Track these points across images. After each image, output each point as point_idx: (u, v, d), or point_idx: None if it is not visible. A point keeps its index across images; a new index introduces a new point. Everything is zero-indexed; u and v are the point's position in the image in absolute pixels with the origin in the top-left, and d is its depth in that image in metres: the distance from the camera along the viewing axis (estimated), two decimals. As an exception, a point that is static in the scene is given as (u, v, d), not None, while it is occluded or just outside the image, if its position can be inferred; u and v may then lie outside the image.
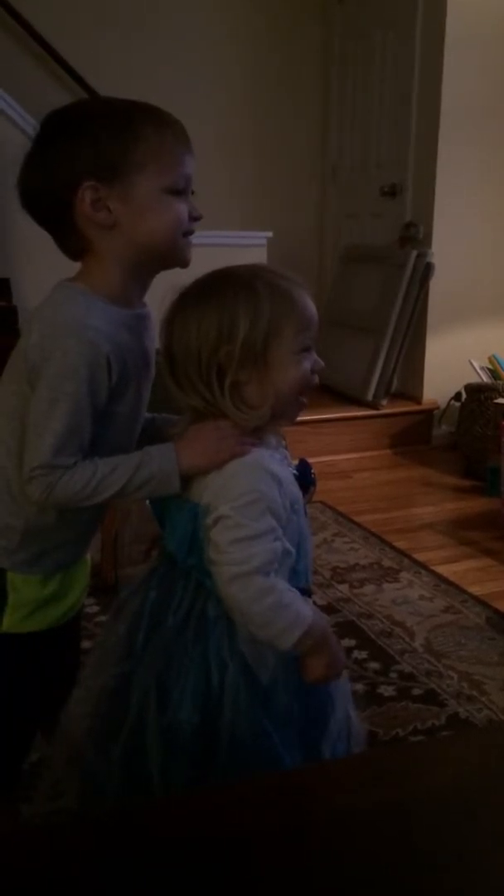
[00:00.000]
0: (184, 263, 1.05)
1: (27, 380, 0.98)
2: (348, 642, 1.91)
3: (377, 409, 3.62)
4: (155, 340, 1.07)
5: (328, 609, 2.08)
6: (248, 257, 3.37)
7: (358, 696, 1.68)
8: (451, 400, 3.60)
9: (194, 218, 1.03)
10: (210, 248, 3.27)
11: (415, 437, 3.71)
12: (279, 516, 0.94)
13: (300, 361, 0.97)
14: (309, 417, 3.49)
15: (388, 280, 3.65)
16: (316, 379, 1.00)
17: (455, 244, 3.57)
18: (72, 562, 1.12)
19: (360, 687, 1.74)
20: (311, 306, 0.99)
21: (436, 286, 3.60)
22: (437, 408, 3.72)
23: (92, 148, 0.96)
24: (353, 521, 2.72)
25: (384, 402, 3.64)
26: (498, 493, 2.81)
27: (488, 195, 3.63)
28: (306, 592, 1.00)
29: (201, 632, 0.97)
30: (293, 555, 0.97)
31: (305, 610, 0.94)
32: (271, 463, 0.96)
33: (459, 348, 3.59)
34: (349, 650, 1.89)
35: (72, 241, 1.01)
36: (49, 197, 0.98)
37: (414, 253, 3.57)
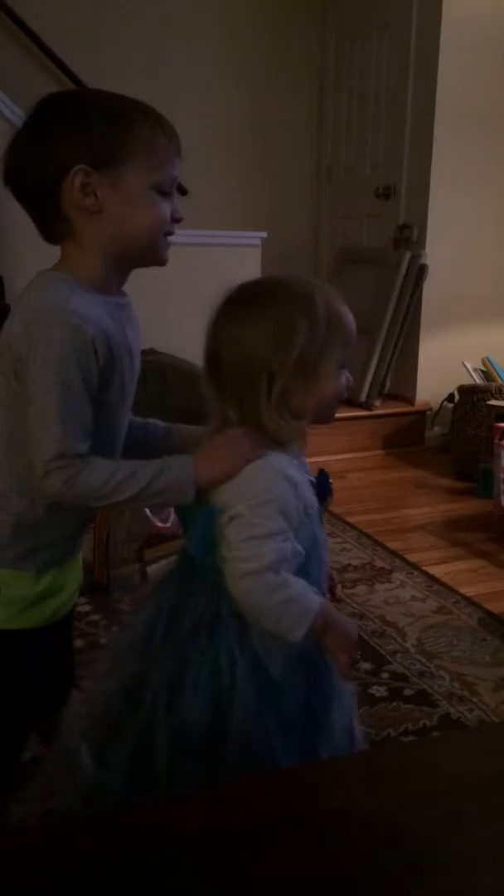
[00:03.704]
0: (161, 262, 1.06)
1: (13, 371, 0.98)
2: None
3: (370, 409, 3.62)
4: (138, 332, 1.07)
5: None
6: (243, 257, 3.39)
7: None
8: (444, 401, 3.61)
9: (176, 220, 1.04)
10: (205, 247, 3.30)
11: (408, 438, 3.72)
12: (291, 518, 0.96)
13: (340, 375, 1.01)
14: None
15: (382, 281, 3.66)
16: (345, 393, 1.03)
17: (449, 246, 3.58)
18: (64, 558, 1.12)
19: (351, 687, 1.74)
20: (354, 324, 1.02)
21: (429, 288, 3.61)
22: (431, 409, 3.73)
23: (87, 134, 0.97)
24: (346, 522, 2.73)
25: (377, 402, 3.65)
26: (490, 495, 2.82)
27: (482, 197, 3.64)
28: None
29: (213, 630, 0.99)
30: (302, 555, 0.98)
31: (313, 600, 0.96)
32: (288, 467, 0.98)
33: (453, 350, 3.60)
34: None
35: (53, 224, 1.01)
36: (37, 175, 0.98)
37: (408, 254, 3.58)
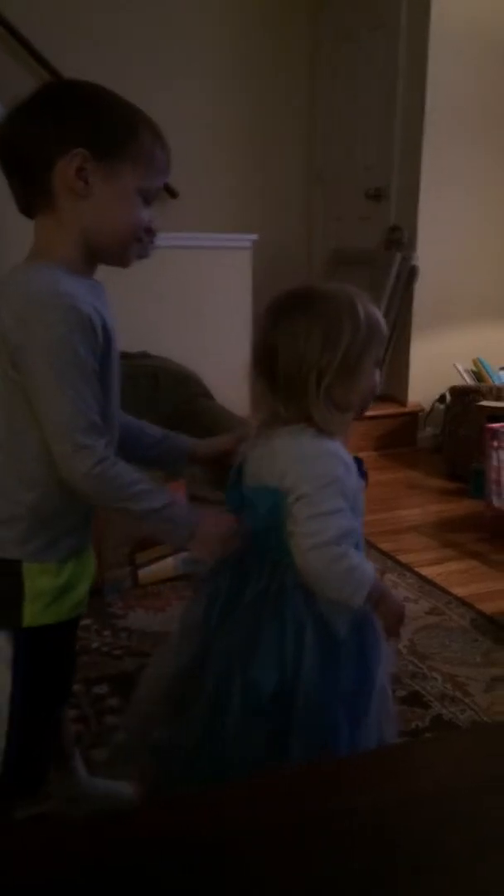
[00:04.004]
0: (125, 264, 1.10)
1: (11, 363, 0.98)
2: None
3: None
4: (113, 317, 1.09)
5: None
6: (234, 260, 3.39)
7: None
8: (435, 402, 3.62)
9: (150, 230, 1.09)
10: (195, 250, 3.30)
11: (400, 439, 3.73)
12: (348, 497, 1.09)
13: (375, 372, 1.14)
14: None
15: (373, 283, 3.66)
16: (378, 389, 1.16)
17: (439, 248, 3.59)
18: (82, 547, 1.14)
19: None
20: (386, 326, 1.15)
21: (421, 289, 3.62)
22: (422, 410, 3.74)
23: (95, 122, 1.01)
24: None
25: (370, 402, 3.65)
26: (482, 495, 2.83)
27: (472, 199, 3.65)
28: None
29: (280, 600, 1.11)
30: (358, 531, 1.12)
31: (370, 569, 1.10)
32: (346, 454, 1.11)
33: (444, 351, 3.61)
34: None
35: (36, 196, 1.03)
36: (37, 146, 1.00)
37: (399, 256, 3.59)
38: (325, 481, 1.07)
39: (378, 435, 3.67)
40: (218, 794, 0.79)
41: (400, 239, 3.68)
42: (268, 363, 1.11)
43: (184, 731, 1.13)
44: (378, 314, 1.13)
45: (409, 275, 3.59)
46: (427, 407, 3.70)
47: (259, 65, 4.18)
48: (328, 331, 1.07)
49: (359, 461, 1.16)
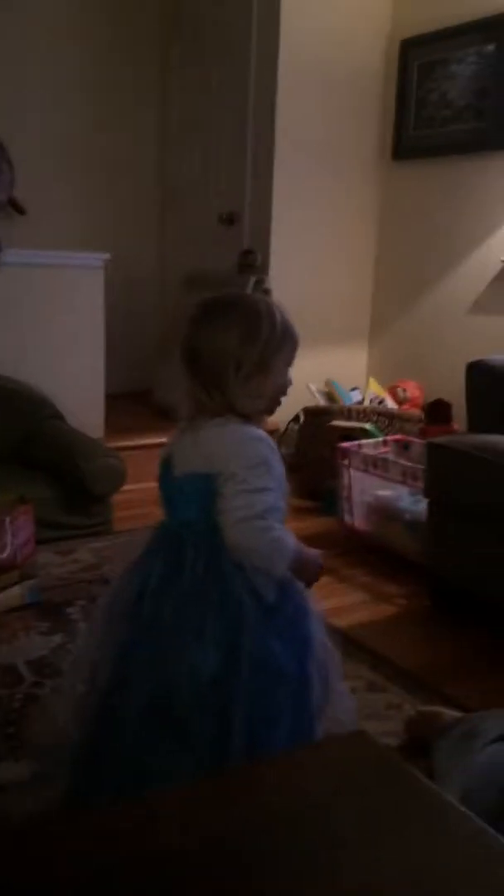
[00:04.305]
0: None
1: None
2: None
3: (219, 432, 3.63)
4: None
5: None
6: (86, 278, 3.33)
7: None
8: (290, 422, 3.68)
9: None
10: (45, 268, 3.21)
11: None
12: (276, 479, 1.22)
13: (286, 373, 1.28)
14: (151, 441, 3.44)
15: (227, 305, 3.70)
16: (288, 388, 1.31)
17: (290, 271, 3.67)
18: None
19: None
20: (298, 334, 1.30)
21: (274, 312, 3.69)
22: (278, 430, 3.80)
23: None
24: (195, 545, 2.70)
25: (226, 425, 3.66)
26: (335, 513, 2.89)
27: (322, 224, 3.78)
28: None
29: (218, 581, 1.20)
30: (283, 510, 1.25)
31: (291, 541, 1.23)
32: (271, 440, 1.25)
33: (297, 372, 3.61)
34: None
35: None
36: None
37: (252, 279, 3.61)
38: (253, 462, 1.20)
39: (235, 456, 3.68)
40: (56, 828, 0.75)
41: (253, 262, 3.73)
42: (193, 358, 1.24)
43: (127, 714, 1.19)
44: (291, 322, 1.28)
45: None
46: (282, 427, 3.76)
47: (110, 85, 4.16)
48: (248, 327, 1.22)
49: None
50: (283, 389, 1.30)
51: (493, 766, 1.25)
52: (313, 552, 1.32)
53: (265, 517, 1.19)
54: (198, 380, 1.24)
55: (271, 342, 1.23)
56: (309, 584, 1.31)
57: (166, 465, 1.29)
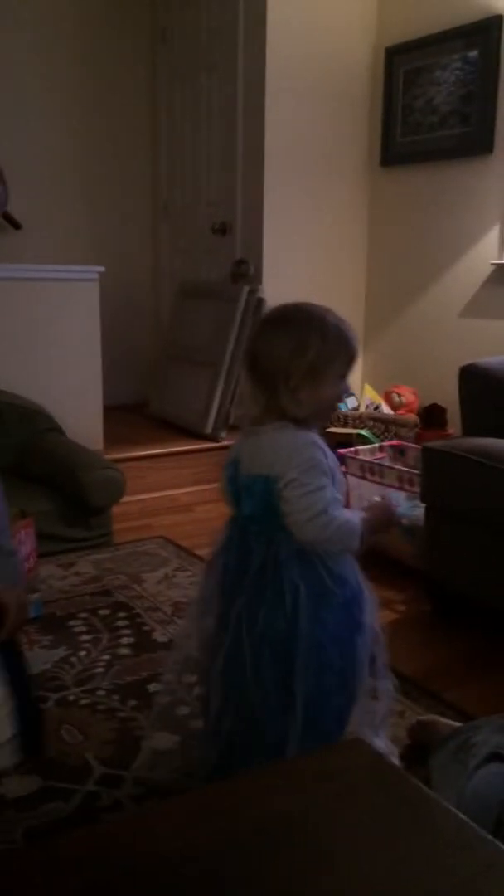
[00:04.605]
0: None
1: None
2: (190, 678, 1.89)
3: (217, 441, 3.66)
4: None
5: (170, 646, 2.06)
6: (81, 292, 3.35)
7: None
8: (286, 430, 3.70)
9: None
10: (40, 282, 3.23)
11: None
12: (328, 475, 1.32)
13: (338, 384, 1.34)
14: (148, 452, 3.47)
15: (222, 315, 3.72)
16: (344, 398, 1.44)
17: (283, 280, 3.70)
18: None
19: (201, 723, 1.73)
20: (357, 344, 1.36)
21: (268, 320, 3.71)
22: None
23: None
24: (195, 555, 2.72)
25: (223, 434, 3.68)
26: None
27: (313, 233, 3.81)
28: None
29: (276, 570, 1.33)
30: (340, 500, 1.34)
31: (354, 518, 1.34)
32: (321, 441, 1.33)
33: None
34: (191, 686, 1.87)
35: None
36: None
37: (246, 289, 3.67)
38: (308, 465, 1.29)
39: (233, 464, 3.70)
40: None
41: (246, 272, 3.77)
42: (252, 365, 1.33)
43: (213, 682, 1.38)
44: (349, 334, 1.33)
45: (257, 307, 3.67)
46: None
47: (100, 98, 4.20)
48: (298, 341, 1.28)
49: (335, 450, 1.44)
50: (335, 398, 1.37)
51: (480, 797, 1.26)
52: (379, 507, 1.45)
53: (327, 511, 1.30)
54: (257, 385, 1.33)
55: (321, 356, 1.29)
56: (383, 522, 1.42)
57: (234, 465, 1.38)
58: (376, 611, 1.44)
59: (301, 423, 1.33)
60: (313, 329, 1.30)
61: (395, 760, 1.55)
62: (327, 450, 1.35)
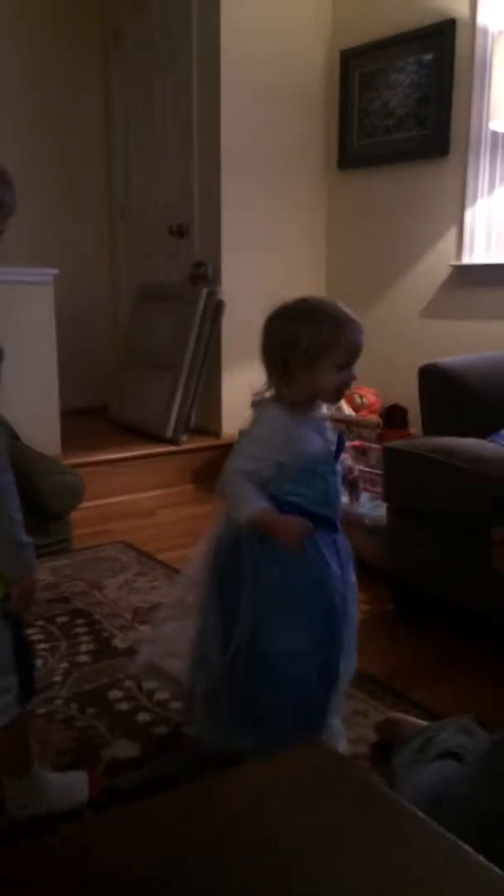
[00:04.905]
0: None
1: None
2: (151, 685, 1.86)
3: (177, 445, 3.62)
4: None
5: (130, 652, 2.02)
6: (35, 294, 3.29)
7: (164, 737, 1.64)
8: (248, 433, 3.67)
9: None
10: (-6, 284, 3.17)
11: (216, 471, 3.65)
12: (272, 448, 1.40)
13: (338, 373, 1.41)
14: (108, 457, 3.42)
15: (181, 318, 3.69)
16: (350, 384, 1.47)
17: (242, 281, 3.68)
18: None
19: (163, 730, 1.69)
20: (357, 337, 1.42)
21: (227, 323, 3.69)
22: (233, 438, 3.78)
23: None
24: (156, 560, 2.68)
25: (184, 438, 3.65)
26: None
27: (271, 234, 3.79)
28: (334, 527, 1.49)
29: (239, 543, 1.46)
30: (259, 474, 1.41)
31: (253, 505, 1.38)
32: (291, 424, 1.42)
33: (254, 382, 3.66)
34: (151, 692, 1.83)
35: None
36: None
37: (205, 291, 3.64)
38: (254, 435, 1.43)
39: (194, 468, 3.67)
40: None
41: (205, 274, 3.74)
42: (262, 351, 1.45)
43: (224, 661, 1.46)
44: (347, 326, 1.40)
45: (216, 309, 3.65)
46: (237, 435, 3.75)
47: (52, 102, 4.15)
48: (291, 334, 1.39)
49: (340, 435, 1.50)
50: (336, 386, 1.44)
51: (416, 791, 1.24)
52: (291, 520, 1.40)
53: (236, 473, 1.41)
54: (265, 369, 1.46)
55: (312, 348, 1.38)
56: (288, 543, 1.39)
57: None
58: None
59: (296, 405, 1.43)
60: (306, 324, 1.39)
61: (345, 743, 1.56)
62: (308, 438, 1.44)
